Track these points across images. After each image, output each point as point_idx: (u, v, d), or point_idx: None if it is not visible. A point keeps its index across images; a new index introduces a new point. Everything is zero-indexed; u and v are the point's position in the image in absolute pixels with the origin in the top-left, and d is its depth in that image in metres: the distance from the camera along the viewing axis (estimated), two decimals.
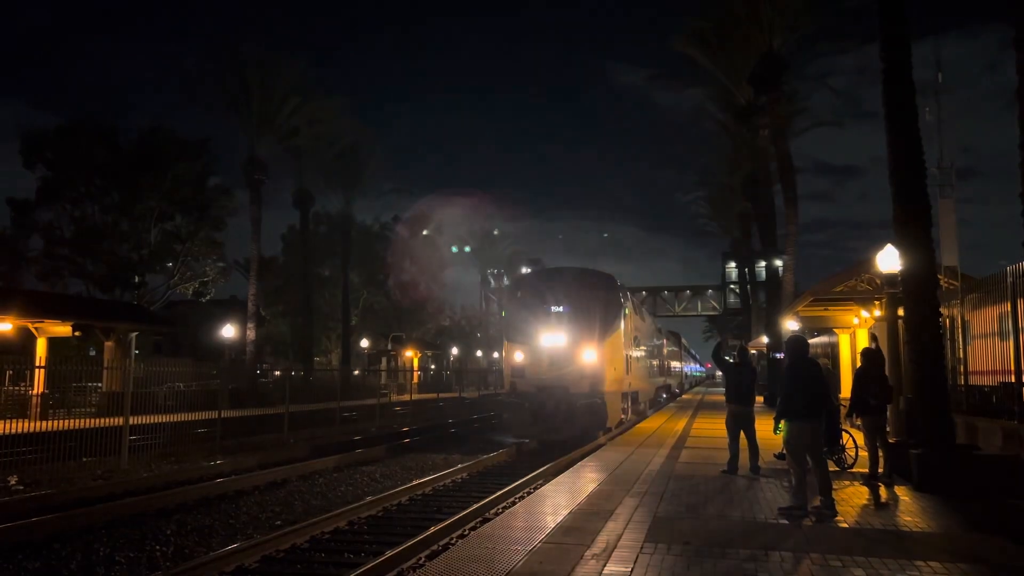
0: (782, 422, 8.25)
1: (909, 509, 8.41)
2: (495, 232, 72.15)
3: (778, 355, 13.81)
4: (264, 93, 37.01)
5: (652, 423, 20.96)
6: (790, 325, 24.41)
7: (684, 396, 45.83)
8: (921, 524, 7.64)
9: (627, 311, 20.98)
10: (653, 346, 30.83)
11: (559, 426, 18.02)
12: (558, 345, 18.64)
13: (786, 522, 7.66)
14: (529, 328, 19.15)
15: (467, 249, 67.57)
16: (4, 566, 8.51)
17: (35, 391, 20.89)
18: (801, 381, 8.19)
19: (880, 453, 10.22)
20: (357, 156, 45.47)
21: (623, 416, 20.87)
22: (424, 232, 60.33)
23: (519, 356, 19.22)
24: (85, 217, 35.35)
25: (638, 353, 24.04)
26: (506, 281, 65.85)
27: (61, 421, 18.28)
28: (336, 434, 23.69)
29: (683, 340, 55.88)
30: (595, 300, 19.30)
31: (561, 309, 19.03)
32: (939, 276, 12.09)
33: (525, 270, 53.47)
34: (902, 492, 9.36)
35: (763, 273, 38.85)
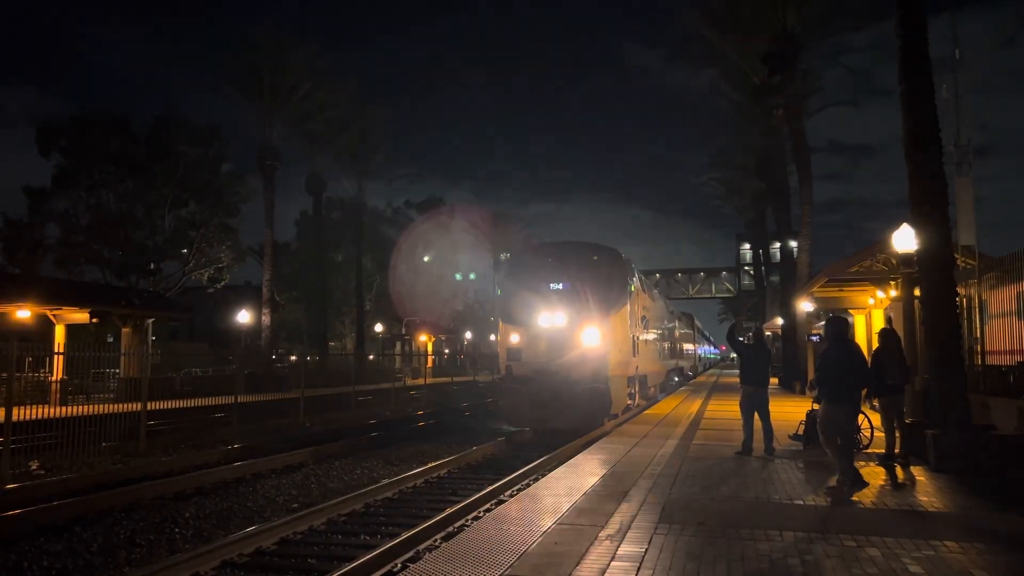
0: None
1: (925, 489, 8.39)
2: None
3: (814, 337, 13.40)
4: (276, 79, 36.97)
5: (663, 407, 20.71)
6: (805, 306, 24.33)
7: (698, 379, 45.76)
8: (937, 504, 7.62)
9: (633, 288, 19.53)
10: (664, 327, 29.45)
11: (559, 414, 16.68)
12: (557, 326, 17.30)
13: (800, 502, 7.65)
14: (526, 308, 17.73)
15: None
16: (27, 548, 8.65)
17: (54, 377, 21.13)
18: (842, 363, 8.12)
19: (897, 433, 10.18)
20: (369, 141, 45.41)
21: (630, 402, 19.61)
22: (435, 214, 60.31)
23: (515, 338, 17.88)
24: (100, 205, 35.67)
25: (647, 334, 22.46)
26: None
27: (80, 407, 18.49)
28: (351, 418, 23.86)
29: (696, 322, 55.50)
30: (598, 276, 17.83)
31: (560, 287, 17.64)
32: (956, 255, 11.96)
33: None
34: (918, 472, 9.33)
35: (778, 254, 38.62)
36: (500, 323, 18.82)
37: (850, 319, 23.28)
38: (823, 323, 9.73)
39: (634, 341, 19.23)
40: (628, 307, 18.53)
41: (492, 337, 74.09)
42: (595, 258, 18.58)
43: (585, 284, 17.54)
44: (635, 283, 19.99)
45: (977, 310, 13.49)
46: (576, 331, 17.16)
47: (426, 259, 58.30)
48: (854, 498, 7.81)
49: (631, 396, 19.63)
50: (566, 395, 16.52)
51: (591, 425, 17.03)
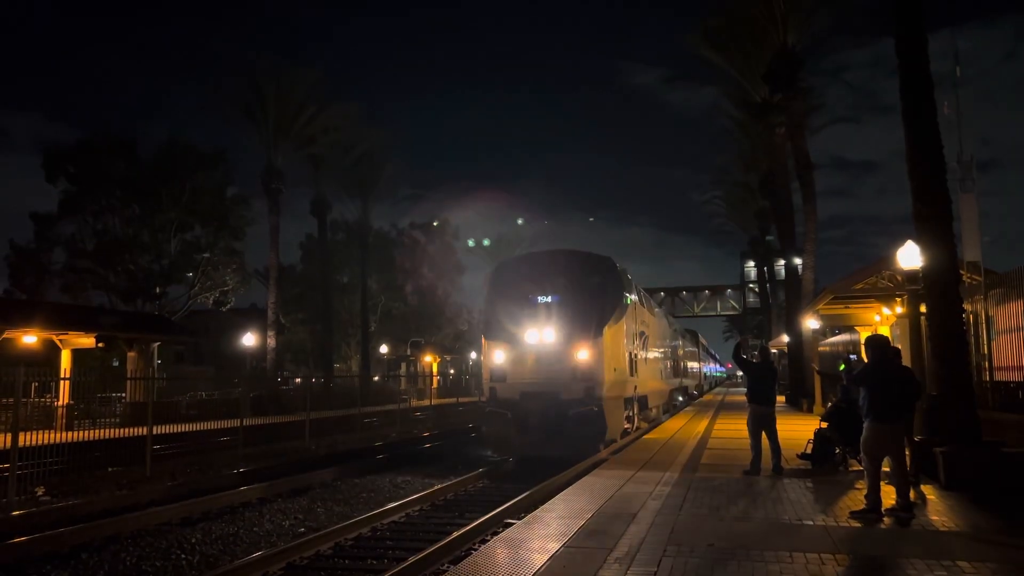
0: None
1: (936, 508, 8.32)
2: (519, 221, 70.53)
3: (851, 356, 13.17)
4: (280, 102, 37.28)
5: (666, 429, 20.09)
6: (810, 324, 24.27)
7: (704, 397, 45.48)
8: (949, 523, 7.55)
9: (630, 301, 17.91)
10: (666, 344, 28.14)
11: (549, 440, 15.10)
12: (546, 342, 15.74)
13: (811, 522, 7.59)
14: (511, 323, 16.11)
15: (486, 243, 66.56)
16: None
17: (60, 402, 21.17)
18: (886, 381, 8.05)
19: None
20: (373, 162, 45.65)
21: (628, 425, 18.12)
22: (440, 234, 60.43)
23: (499, 356, 16.27)
24: (106, 229, 35.86)
25: (646, 351, 20.76)
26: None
27: (86, 432, 18.51)
28: (357, 440, 23.79)
29: (701, 339, 55.11)
30: (590, 287, 16.32)
31: (549, 299, 16.05)
32: (961, 271, 11.95)
33: None
34: (928, 491, 9.25)
35: (782, 272, 38.57)
36: (483, 340, 17.11)
37: (856, 336, 23.21)
38: (852, 340, 9.64)
39: (632, 359, 17.86)
40: (624, 321, 17.08)
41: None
42: (587, 268, 17.00)
43: (576, 296, 16.13)
44: (632, 296, 18.54)
45: (984, 326, 13.46)
46: (567, 348, 15.68)
47: (430, 279, 58.34)
48: (860, 519, 7.75)
49: (629, 419, 18.23)
50: (555, 419, 15.07)
51: (585, 452, 15.35)
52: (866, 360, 8.56)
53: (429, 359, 53.36)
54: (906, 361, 10.63)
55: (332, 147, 41.60)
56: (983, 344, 13.65)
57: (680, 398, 33.97)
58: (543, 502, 9.51)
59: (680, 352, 34.87)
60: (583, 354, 15.57)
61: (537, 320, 15.95)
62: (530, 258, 18.60)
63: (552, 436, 15.04)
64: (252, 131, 37.99)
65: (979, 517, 7.88)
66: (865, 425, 8.13)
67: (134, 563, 9.16)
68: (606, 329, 15.90)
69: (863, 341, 8.85)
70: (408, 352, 56.82)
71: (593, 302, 16.12)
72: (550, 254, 18.07)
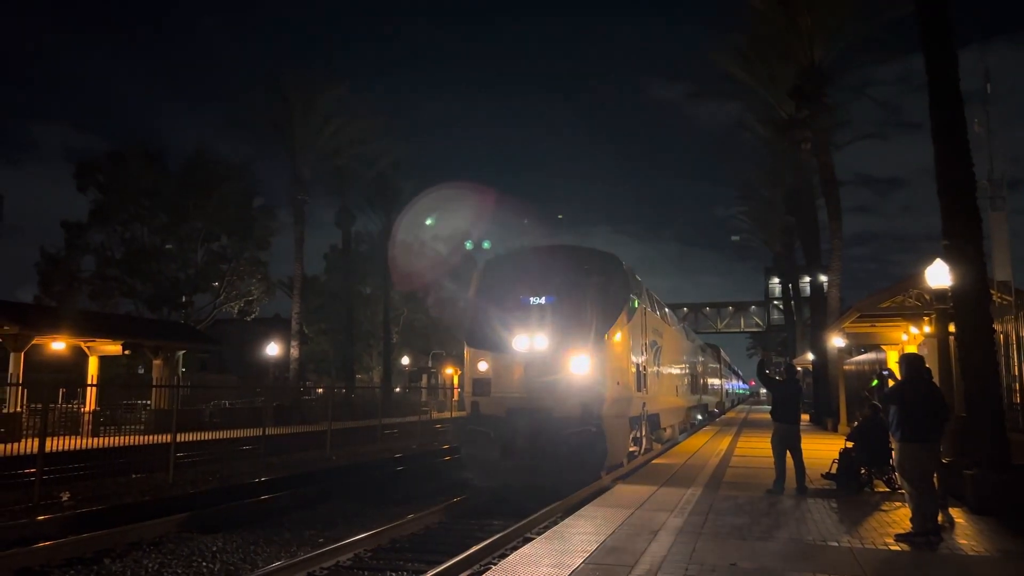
0: None
1: (965, 532, 8.16)
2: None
3: (884, 372, 12.77)
4: (306, 115, 37.70)
5: (683, 451, 19.15)
6: (836, 342, 24.01)
7: (726, 415, 44.96)
8: (977, 547, 7.40)
9: (638, 304, 15.71)
10: (684, 358, 26.24)
11: (540, 465, 12.98)
12: (537, 350, 13.63)
13: (835, 544, 7.47)
14: (498, 327, 14.06)
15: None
16: None
17: (87, 408, 21.46)
18: (921, 401, 7.92)
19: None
20: (397, 175, 46.01)
21: (634, 448, 15.87)
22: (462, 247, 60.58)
23: (483, 366, 14.16)
24: (134, 238, 36.46)
25: (659, 364, 18.66)
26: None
27: (111, 438, 18.72)
28: (377, 451, 23.82)
29: (723, 354, 54.24)
30: (590, 288, 14.07)
31: (543, 301, 13.97)
32: (992, 291, 11.76)
33: None
34: (957, 514, 9.07)
35: (807, 288, 38.22)
36: (466, 347, 14.98)
37: (882, 355, 22.90)
38: (889, 358, 9.53)
39: (640, 371, 15.75)
40: (631, 328, 14.88)
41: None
42: (588, 266, 14.69)
43: (574, 298, 14.03)
44: (642, 300, 16.45)
45: (1015, 347, 13.20)
46: (561, 358, 13.53)
47: (452, 292, 58.50)
48: (907, 542, 7.61)
49: (636, 441, 16.02)
50: (547, 441, 12.99)
51: (582, 480, 13.23)
52: (900, 378, 8.44)
53: (450, 371, 53.44)
54: (934, 381, 10.46)
55: (357, 159, 42.01)
56: (1014, 365, 13.38)
57: (699, 416, 33.23)
58: (571, 512, 9.43)
59: (700, 367, 33.64)
60: (580, 365, 13.48)
61: (528, 325, 13.88)
62: (523, 254, 16.13)
63: (543, 460, 13.00)
64: (278, 143, 38.44)
65: (1009, 542, 7.71)
66: (897, 446, 7.99)
67: (155, 569, 9.24)
68: (608, 336, 13.83)
69: (897, 359, 8.69)
70: (429, 364, 56.97)
71: (594, 305, 13.95)
72: (546, 250, 15.96)
